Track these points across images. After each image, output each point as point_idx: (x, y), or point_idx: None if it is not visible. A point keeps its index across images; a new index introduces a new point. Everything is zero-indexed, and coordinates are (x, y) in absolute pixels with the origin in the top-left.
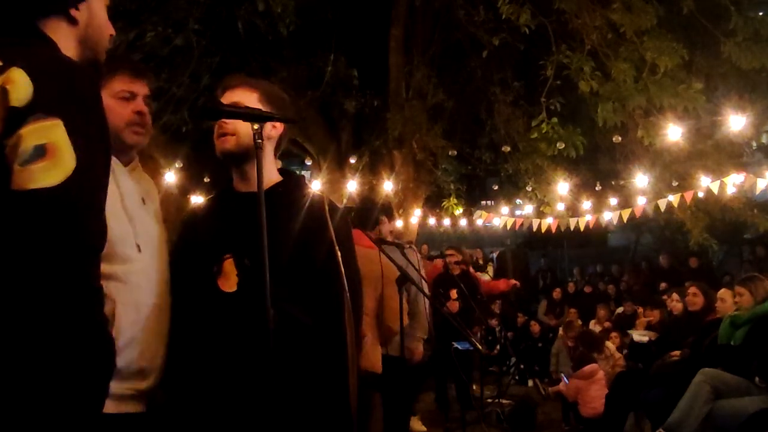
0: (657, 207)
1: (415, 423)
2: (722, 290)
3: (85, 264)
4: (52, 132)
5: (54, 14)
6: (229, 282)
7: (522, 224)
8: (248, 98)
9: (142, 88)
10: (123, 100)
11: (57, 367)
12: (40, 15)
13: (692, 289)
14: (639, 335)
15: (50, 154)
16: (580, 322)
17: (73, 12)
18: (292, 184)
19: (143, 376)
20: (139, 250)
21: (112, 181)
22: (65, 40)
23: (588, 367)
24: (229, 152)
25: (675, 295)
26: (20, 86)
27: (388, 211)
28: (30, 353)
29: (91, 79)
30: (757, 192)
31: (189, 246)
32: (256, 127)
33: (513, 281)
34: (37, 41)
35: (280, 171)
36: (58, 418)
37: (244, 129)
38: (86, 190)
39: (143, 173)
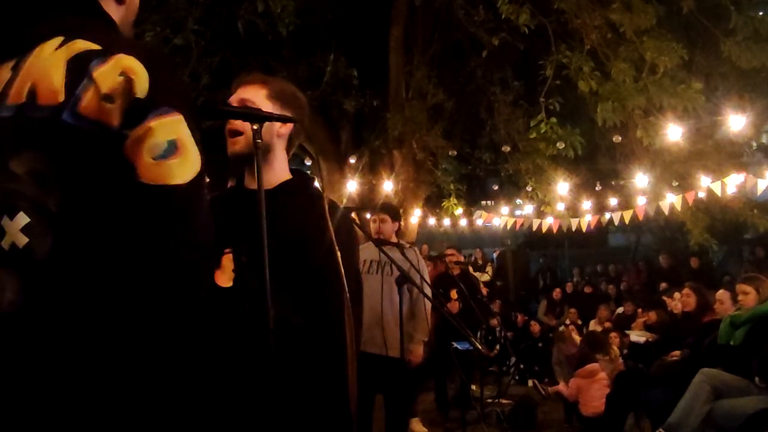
0: (659, 208)
1: (416, 424)
2: (720, 291)
3: (205, 259)
4: (179, 128)
5: None
6: (225, 277)
7: (522, 224)
8: (257, 95)
9: None
10: None
11: (163, 354)
12: None
13: (685, 290)
14: (636, 335)
15: (182, 151)
16: (574, 331)
17: None
18: (300, 183)
19: None
20: None
21: None
22: (115, 20)
23: (589, 366)
24: (240, 154)
25: (676, 295)
26: (142, 77)
27: (392, 210)
28: (146, 351)
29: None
30: (759, 193)
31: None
32: (255, 126)
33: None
34: (106, 23)
35: (292, 170)
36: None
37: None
38: (206, 188)
39: None
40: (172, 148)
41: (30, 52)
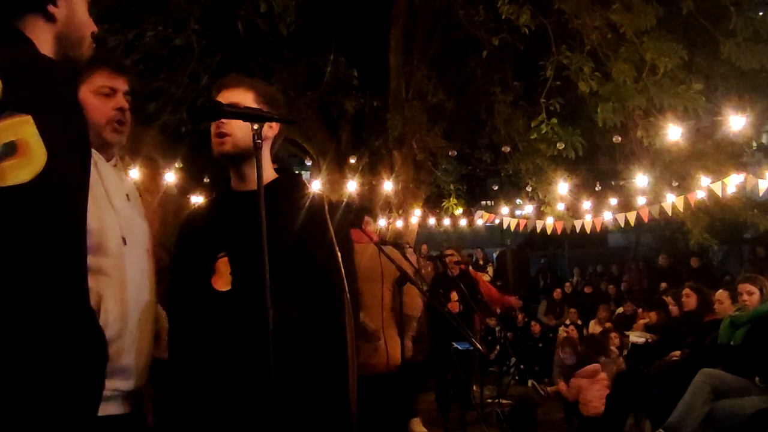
0: (661, 208)
1: (416, 425)
2: (719, 292)
3: (56, 260)
4: (22, 128)
5: (31, 11)
6: (223, 281)
7: (525, 225)
8: (245, 98)
9: (122, 85)
10: (103, 96)
11: (46, 363)
12: (16, 12)
13: (685, 290)
14: (636, 336)
15: (21, 151)
16: (574, 332)
17: (51, 9)
18: (288, 181)
19: (127, 376)
20: (125, 243)
21: (95, 174)
22: (43, 37)
23: (590, 367)
24: (227, 154)
25: (670, 299)
26: None
27: (372, 213)
28: (15, 350)
29: (67, 75)
30: (761, 193)
31: (187, 245)
32: (255, 127)
33: (510, 301)
34: (11, 40)
35: (277, 170)
36: (53, 414)
37: (240, 129)
38: (59, 187)
39: (123, 171)
40: (9, 150)
41: None
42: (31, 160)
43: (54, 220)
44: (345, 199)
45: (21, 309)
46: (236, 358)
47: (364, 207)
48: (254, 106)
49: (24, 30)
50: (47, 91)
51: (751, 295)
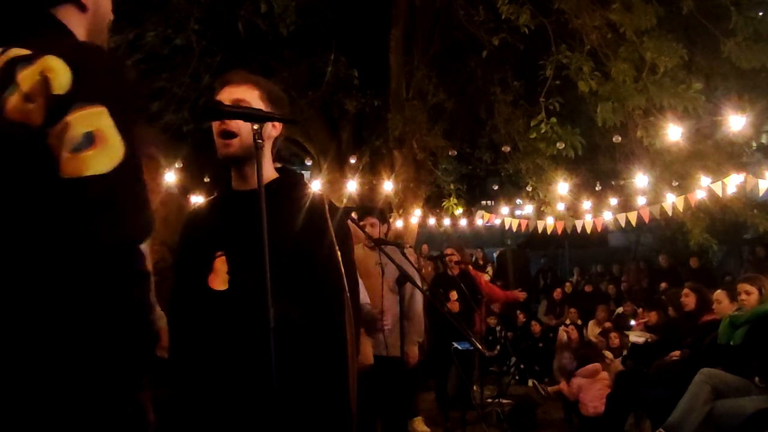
0: (662, 209)
1: (419, 424)
2: (718, 292)
3: (131, 249)
4: (99, 119)
5: (65, 1)
6: (219, 279)
7: (527, 225)
8: (250, 96)
9: None
10: None
11: (97, 350)
12: (52, 3)
13: (684, 290)
14: (636, 336)
15: (100, 141)
16: (574, 332)
17: None
18: (288, 181)
19: None
20: None
21: None
22: (76, 27)
23: (591, 366)
24: (234, 156)
25: (667, 300)
26: (60, 73)
27: (379, 214)
28: (71, 339)
29: (123, 65)
30: (761, 193)
31: (188, 245)
32: (256, 127)
33: (515, 295)
34: (56, 30)
35: (278, 169)
36: (92, 401)
37: (246, 129)
38: (134, 179)
39: None
40: (89, 140)
41: None
42: (111, 151)
43: (129, 211)
44: (345, 200)
45: (89, 296)
46: (234, 357)
47: (368, 207)
48: (259, 103)
49: (61, 20)
50: (111, 81)
51: (749, 295)
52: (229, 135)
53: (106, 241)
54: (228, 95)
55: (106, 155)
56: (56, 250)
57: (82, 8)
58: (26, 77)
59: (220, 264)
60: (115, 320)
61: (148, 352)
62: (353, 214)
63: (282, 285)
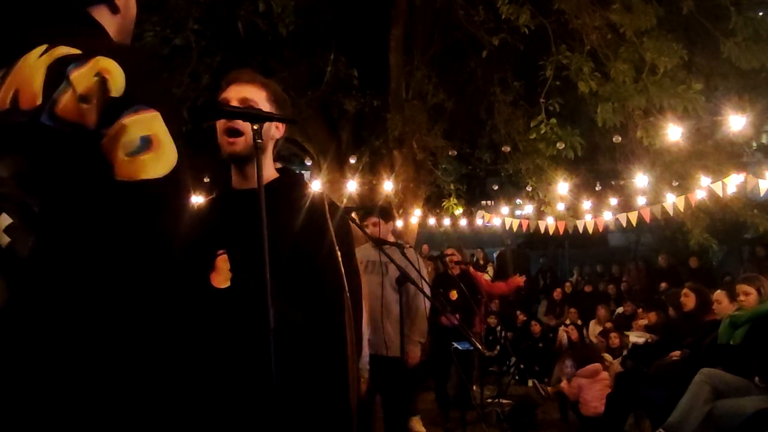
0: (662, 209)
1: (416, 423)
2: (717, 292)
3: (177, 253)
4: (154, 124)
5: (100, 2)
6: (221, 278)
7: (528, 226)
8: (258, 96)
9: None
10: None
11: (143, 351)
12: (89, 2)
13: (684, 290)
14: (636, 336)
15: (156, 146)
16: (574, 331)
17: (116, 0)
18: (289, 181)
19: None
20: None
21: None
22: (108, 28)
23: (591, 366)
24: (238, 154)
25: (667, 300)
26: (117, 76)
27: (383, 212)
28: (120, 341)
29: (161, 68)
30: (762, 193)
31: (187, 243)
32: (255, 127)
33: (516, 282)
34: (95, 30)
35: (278, 169)
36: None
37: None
38: (185, 183)
39: None
40: (146, 144)
41: (17, 60)
42: (166, 155)
43: (180, 215)
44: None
45: (141, 297)
46: (235, 356)
47: (370, 207)
48: (266, 104)
49: (98, 20)
50: (160, 85)
51: (747, 295)
52: (235, 133)
53: (160, 244)
54: (236, 94)
55: (162, 160)
56: (110, 252)
57: (115, 10)
58: (81, 77)
59: (222, 262)
60: (163, 322)
61: (188, 353)
62: (354, 215)
63: (282, 285)
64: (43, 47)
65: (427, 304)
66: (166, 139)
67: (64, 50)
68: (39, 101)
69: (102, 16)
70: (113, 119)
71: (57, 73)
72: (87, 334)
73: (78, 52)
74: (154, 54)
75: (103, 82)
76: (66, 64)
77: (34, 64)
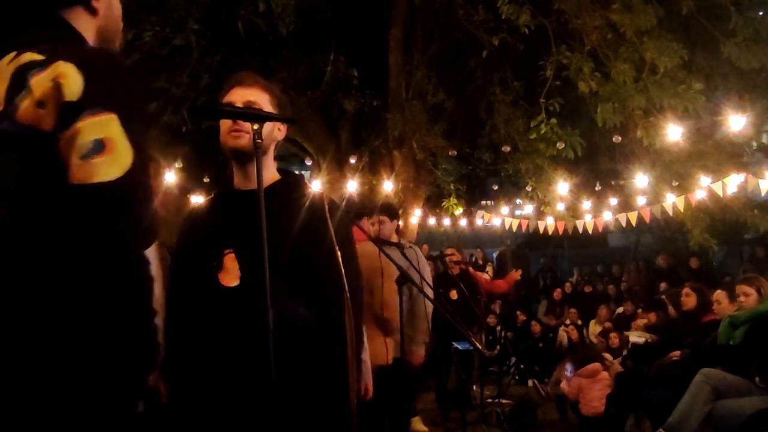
0: (662, 209)
1: (417, 423)
2: (717, 292)
3: (139, 256)
4: (109, 126)
5: (75, 4)
6: (230, 276)
7: (527, 226)
8: (262, 99)
9: None
10: None
11: (107, 354)
12: (62, 6)
13: (685, 290)
14: (636, 336)
15: (109, 149)
16: (574, 331)
17: (94, 3)
18: (290, 182)
19: None
20: None
21: None
22: (86, 31)
23: (591, 366)
24: (242, 149)
25: (668, 300)
26: (73, 80)
27: (389, 210)
28: (76, 344)
29: (131, 71)
30: (762, 193)
31: (189, 243)
32: (255, 126)
33: (513, 277)
34: (66, 34)
35: (279, 171)
36: (94, 405)
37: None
38: (142, 185)
39: None
40: (99, 147)
41: None
42: (120, 158)
43: (136, 217)
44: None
45: (97, 299)
46: (243, 353)
47: (375, 205)
48: (269, 108)
49: (71, 23)
50: (122, 87)
51: (747, 296)
52: (241, 131)
53: (114, 247)
54: (240, 97)
55: (115, 162)
56: (64, 255)
57: (93, 12)
58: (39, 83)
59: (230, 261)
60: (121, 326)
61: (152, 359)
62: (366, 221)
63: (285, 285)
64: (13, 54)
65: (428, 303)
66: (121, 141)
67: (29, 56)
68: (1, 107)
69: (79, 18)
70: (69, 123)
71: (19, 79)
72: (48, 335)
73: (42, 57)
74: (149, 54)
75: (57, 86)
76: (29, 69)
77: (3, 70)
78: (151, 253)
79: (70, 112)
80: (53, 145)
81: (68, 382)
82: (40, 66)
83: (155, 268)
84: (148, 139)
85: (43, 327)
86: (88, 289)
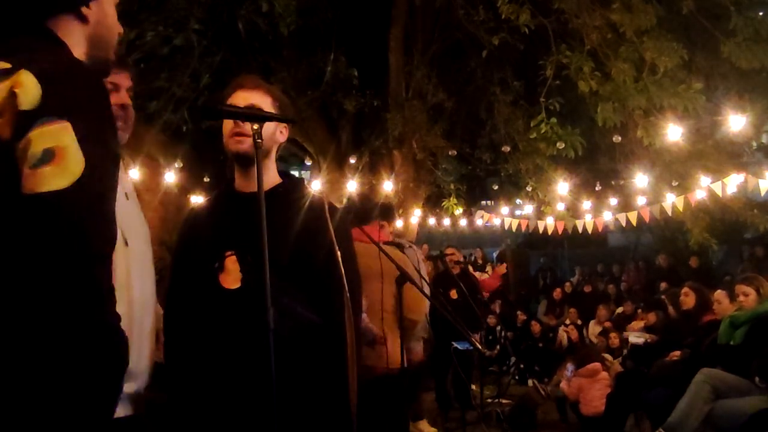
0: (662, 209)
1: (424, 426)
2: (717, 292)
3: (91, 266)
4: (60, 135)
5: (64, 12)
6: (231, 278)
7: (527, 225)
8: (264, 102)
9: (125, 80)
10: None
11: (66, 369)
12: (50, 13)
13: (684, 289)
14: (635, 336)
15: (58, 158)
16: (573, 331)
17: (84, 10)
18: (292, 185)
19: (131, 378)
20: (126, 244)
21: None
22: (75, 38)
23: (591, 366)
24: (244, 154)
25: (667, 299)
26: (29, 89)
27: (388, 213)
28: (38, 356)
29: (98, 80)
30: (762, 193)
31: (189, 244)
32: (256, 127)
33: (500, 271)
34: (46, 42)
35: (280, 173)
36: (70, 422)
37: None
38: (94, 194)
39: (123, 170)
40: (48, 157)
41: None
42: (69, 167)
43: (87, 227)
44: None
45: (49, 312)
46: (244, 355)
47: (373, 207)
48: (272, 110)
49: (57, 31)
50: (83, 96)
51: (747, 296)
52: (243, 134)
53: (64, 256)
54: (243, 100)
55: (64, 172)
56: (17, 266)
57: (83, 20)
58: None
59: (231, 263)
60: (78, 338)
61: (115, 369)
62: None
63: (285, 286)
64: None
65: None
66: (72, 150)
67: None
68: None
69: (67, 27)
70: (23, 133)
71: None
72: (6, 353)
73: (8, 66)
74: (149, 54)
75: (13, 96)
76: None
77: None
78: (119, 258)
79: (25, 122)
80: (11, 154)
81: (22, 399)
82: (4, 74)
83: (123, 274)
84: (111, 146)
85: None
86: (40, 300)
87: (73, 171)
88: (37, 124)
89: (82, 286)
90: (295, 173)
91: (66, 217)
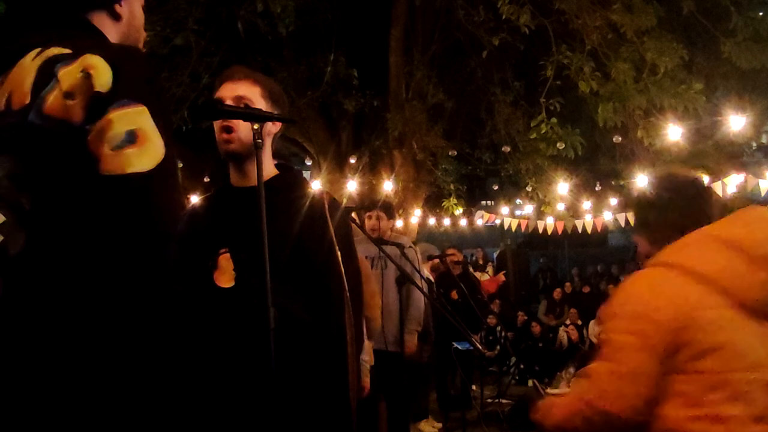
0: None
1: (427, 426)
2: None
3: (165, 244)
4: (140, 118)
5: (99, 8)
6: (225, 277)
7: (527, 225)
8: (252, 92)
9: None
10: None
11: (143, 335)
12: (86, 9)
13: None
14: None
15: (141, 140)
16: (573, 331)
17: (117, 8)
18: (288, 178)
19: None
20: None
21: None
22: (109, 35)
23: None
24: (234, 152)
25: None
26: (102, 71)
27: (389, 209)
28: (121, 326)
29: (157, 66)
30: (762, 193)
31: (185, 241)
32: (256, 126)
33: (499, 280)
34: (93, 34)
35: (277, 166)
36: (140, 387)
37: (245, 126)
38: (171, 177)
39: None
40: (131, 138)
41: (15, 64)
42: (152, 150)
43: (165, 208)
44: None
45: (129, 287)
46: (237, 354)
47: (375, 202)
48: (261, 101)
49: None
50: (148, 81)
51: None
52: (229, 130)
53: (145, 237)
54: (230, 92)
55: (148, 154)
56: (98, 247)
57: (116, 17)
58: (67, 74)
59: (225, 261)
60: (152, 314)
61: (179, 344)
62: (353, 214)
63: (283, 284)
64: (38, 50)
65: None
66: (153, 133)
67: (55, 50)
68: (28, 100)
69: (102, 23)
70: (99, 114)
71: (46, 73)
72: (78, 329)
73: (68, 51)
74: (150, 54)
75: (87, 77)
76: (55, 63)
77: (28, 66)
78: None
79: (101, 104)
80: (83, 137)
81: (106, 374)
82: (68, 59)
83: None
84: (171, 132)
85: (76, 320)
86: (119, 279)
87: (156, 154)
88: (114, 106)
89: (158, 262)
90: None
91: (150, 198)
